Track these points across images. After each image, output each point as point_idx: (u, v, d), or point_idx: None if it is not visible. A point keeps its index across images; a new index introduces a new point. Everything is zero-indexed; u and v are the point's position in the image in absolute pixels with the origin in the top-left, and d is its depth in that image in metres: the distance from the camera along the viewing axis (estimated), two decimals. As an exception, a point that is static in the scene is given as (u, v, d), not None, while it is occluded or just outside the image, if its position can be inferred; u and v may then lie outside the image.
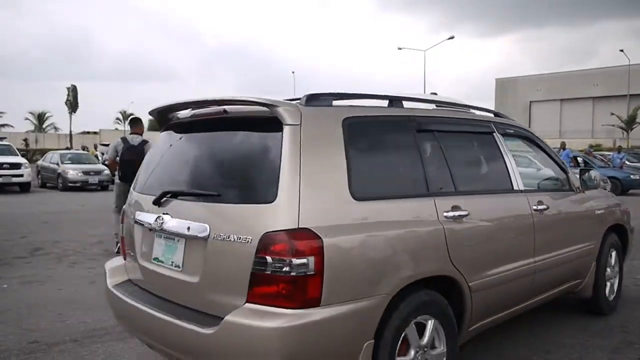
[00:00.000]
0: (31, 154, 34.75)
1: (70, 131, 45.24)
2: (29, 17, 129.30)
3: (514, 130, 4.05)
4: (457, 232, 2.98)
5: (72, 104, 44.48)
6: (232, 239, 2.43)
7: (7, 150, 18.62)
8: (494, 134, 3.72)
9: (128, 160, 7.19)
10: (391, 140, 3.00)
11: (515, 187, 3.70)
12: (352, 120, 2.71)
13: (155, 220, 2.82)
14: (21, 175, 17.38)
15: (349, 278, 2.44)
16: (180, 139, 3.22)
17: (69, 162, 19.33)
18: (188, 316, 2.55)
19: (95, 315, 4.63)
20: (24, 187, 17.71)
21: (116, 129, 63.71)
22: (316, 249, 2.32)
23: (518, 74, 63.93)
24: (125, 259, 3.31)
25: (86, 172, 18.73)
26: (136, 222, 3.09)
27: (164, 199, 2.86)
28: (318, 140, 2.55)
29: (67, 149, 31.41)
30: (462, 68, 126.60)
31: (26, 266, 6.57)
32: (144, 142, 7.55)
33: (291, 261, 2.28)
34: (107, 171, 19.41)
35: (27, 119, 57.07)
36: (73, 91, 44.84)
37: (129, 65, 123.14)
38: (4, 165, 17.00)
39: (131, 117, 9.38)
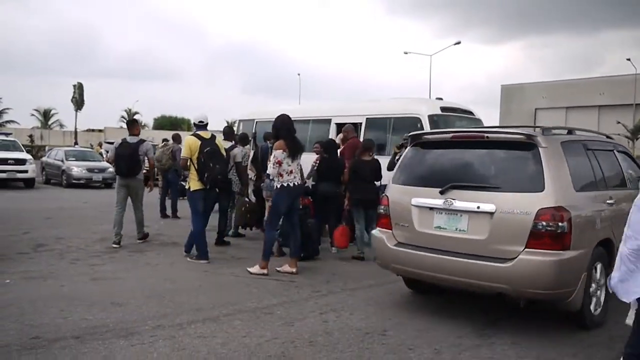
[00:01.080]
0: (36, 150, 34.82)
1: (76, 128, 45.43)
2: (36, 13, 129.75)
3: (621, 148, 5.88)
4: (612, 211, 4.74)
5: (78, 102, 44.64)
6: (515, 212, 4.21)
7: (12, 146, 18.62)
8: (614, 151, 5.58)
9: (121, 156, 7.83)
10: (581, 155, 4.85)
11: (627, 185, 5.43)
12: (564, 143, 4.63)
13: (444, 202, 4.54)
14: (26, 171, 17.38)
15: (580, 235, 4.23)
16: (438, 151, 5.13)
17: (73, 159, 19.34)
18: (481, 258, 4.28)
19: (97, 312, 4.64)
20: (28, 183, 17.73)
21: (121, 127, 63.79)
22: (568, 218, 4.12)
23: (524, 80, 63.69)
24: (392, 229, 4.95)
25: (90, 170, 18.75)
26: (412, 205, 4.77)
27: (448, 189, 4.54)
28: (554, 155, 4.38)
29: (75, 144, 31.38)
30: (468, 74, 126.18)
31: (29, 262, 6.58)
32: (141, 141, 8.04)
33: (557, 224, 4.08)
34: (111, 169, 19.43)
35: (32, 115, 57.19)
36: (79, 89, 45.00)
37: (135, 63, 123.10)
38: (9, 161, 17.00)
39: (128, 120, 9.59)
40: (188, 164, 6.82)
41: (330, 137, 10.12)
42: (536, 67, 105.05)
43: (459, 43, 40.43)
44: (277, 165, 6.14)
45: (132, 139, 7.98)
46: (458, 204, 4.48)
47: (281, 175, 6.20)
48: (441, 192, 4.57)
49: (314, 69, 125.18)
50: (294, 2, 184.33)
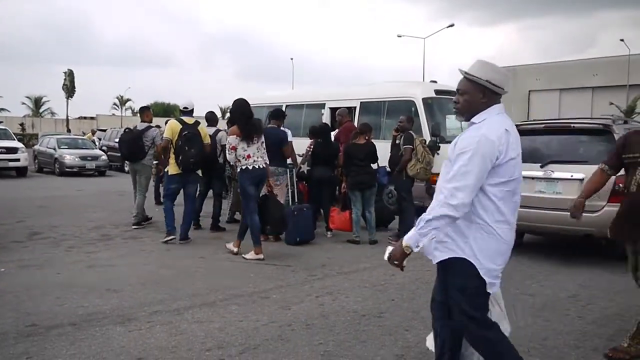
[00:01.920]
0: (28, 139, 34.59)
1: (67, 116, 45.08)
2: (27, 1, 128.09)
3: None
4: None
5: (69, 89, 44.19)
6: None
7: (4, 135, 18.49)
8: None
9: (123, 141, 8.39)
10: None
11: None
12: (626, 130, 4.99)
13: (544, 173, 6.24)
14: (18, 160, 17.28)
15: None
16: (532, 136, 6.52)
17: (65, 147, 19.23)
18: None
19: (94, 299, 4.63)
20: (21, 172, 17.63)
21: (113, 114, 63.41)
22: None
23: (517, 63, 63.49)
24: None
25: (83, 158, 18.65)
26: None
27: (547, 164, 6.23)
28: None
29: (68, 132, 31.13)
30: (462, 57, 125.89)
31: (24, 250, 6.56)
32: (148, 127, 8.35)
33: None
34: (104, 156, 19.40)
35: (23, 103, 56.72)
36: (69, 76, 44.50)
37: (128, 50, 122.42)
38: (0, 150, 16.90)
39: (140, 107, 9.96)
40: (168, 146, 7.04)
41: (324, 121, 10.08)
42: (530, 49, 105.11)
43: (452, 25, 40.20)
44: (232, 151, 6.17)
45: (141, 125, 8.41)
46: (556, 174, 6.24)
47: (239, 160, 6.20)
48: (541, 166, 6.27)
49: (308, 55, 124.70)
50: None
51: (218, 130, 8.46)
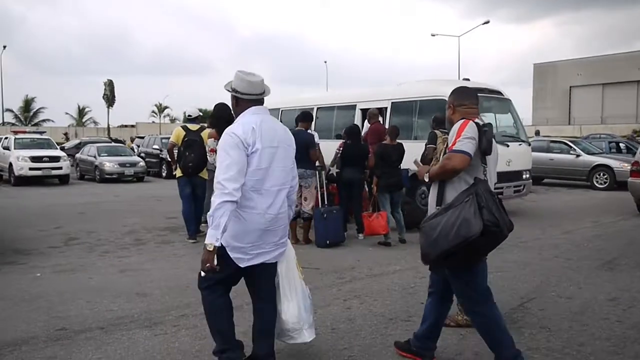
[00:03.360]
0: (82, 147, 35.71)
1: (108, 124, 46.39)
2: (66, 14, 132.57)
3: None
4: None
5: (109, 98, 45.51)
6: None
7: (47, 144, 19.14)
8: None
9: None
10: None
11: None
12: None
13: None
14: (60, 168, 17.82)
15: None
16: None
17: (105, 154, 19.73)
18: None
19: (123, 303, 4.69)
20: (63, 179, 18.18)
21: (153, 121, 64.85)
22: None
23: (557, 58, 61.71)
24: None
25: (122, 164, 19.09)
26: None
27: None
28: None
29: (111, 139, 31.97)
30: (498, 54, 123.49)
31: (60, 255, 6.72)
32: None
33: None
34: (142, 163, 19.84)
35: (67, 113, 58.70)
36: (109, 85, 45.84)
37: (165, 59, 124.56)
38: (44, 159, 17.47)
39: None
40: (173, 150, 7.61)
41: (355, 122, 10.00)
42: (570, 44, 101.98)
43: (487, 22, 39.35)
44: (212, 153, 6.39)
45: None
46: None
47: None
48: None
49: (342, 57, 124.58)
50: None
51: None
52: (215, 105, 6.60)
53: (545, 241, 7.51)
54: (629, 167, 14.46)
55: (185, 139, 7.30)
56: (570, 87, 58.41)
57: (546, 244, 7.27)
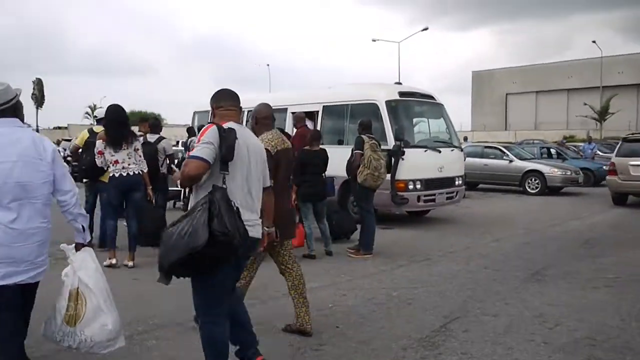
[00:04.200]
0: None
1: (37, 126, 43.73)
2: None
3: None
4: None
5: (38, 98, 43.02)
6: None
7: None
8: None
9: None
10: None
11: None
12: None
13: None
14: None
15: None
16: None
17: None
18: None
19: None
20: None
21: (90, 124, 62.03)
22: None
23: (495, 66, 63.80)
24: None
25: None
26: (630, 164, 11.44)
27: None
28: None
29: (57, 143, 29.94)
30: (440, 62, 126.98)
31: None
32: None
33: None
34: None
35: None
36: (38, 84, 43.27)
37: (101, 59, 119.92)
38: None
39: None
40: (77, 152, 7.21)
41: (286, 127, 9.54)
42: (506, 53, 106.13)
43: (426, 29, 39.94)
44: (100, 155, 6.10)
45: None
46: None
47: (108, 166, 6.10)
48: None
49: (285, 61, 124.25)
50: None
51: (161, 138, 7.88)
52: (109, 107, 6.33)
53: (474, 250, 7.29)
54: (558, 173, 14.85)
55: (87, 140, 6.93)
56: (507, 94, 60.50)
57: (475, 254, 7.04)
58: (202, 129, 2.95)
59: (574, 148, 21.74)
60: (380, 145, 6.98)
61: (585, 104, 41.34)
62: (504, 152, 15.83)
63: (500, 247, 7.50)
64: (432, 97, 10.18)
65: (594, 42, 41.80)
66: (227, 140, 2.78)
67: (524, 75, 57.80)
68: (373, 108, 9.19)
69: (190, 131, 11.23)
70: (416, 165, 8.94)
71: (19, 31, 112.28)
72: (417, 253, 7.05)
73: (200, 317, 2.97)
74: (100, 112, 7.71)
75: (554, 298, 4.98)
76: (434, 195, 9.29)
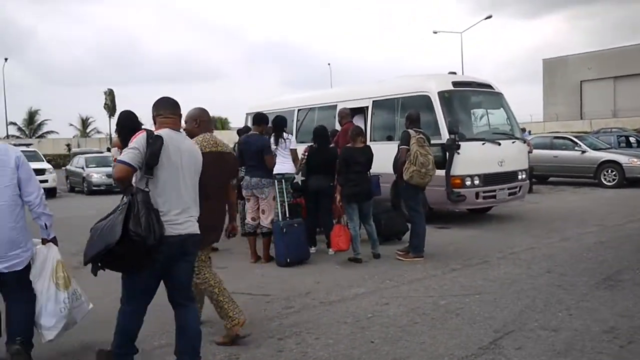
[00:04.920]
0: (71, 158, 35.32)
1: (110, 134, 45.86)
2: (73, 22, 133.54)
3: None
4: None
5: (110, 108, 45.01)
6: None
7: (33, 157, 18.48)
8: None
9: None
10: None
11: None
12: None
13: None
14: (46, 181, 17.20)
15: None
16: None
17: (93, 165, 19.10)
18: None
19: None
20: (50, 193, 17.52)
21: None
22: None
23: (567, 53, 60.23)
24: None
25: (111, 175, 18.45)
26: None
27: None
28: None
29: (108, 150, 31.47)
30: (507, 51, 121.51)
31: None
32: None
33: None
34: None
35: (71, 124, 58.40)
36: (110, 95, 45.29)
37: (173, 67, 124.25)
38: (28, 172, 16.92)
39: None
40: None
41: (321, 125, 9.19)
42: (580, 38, 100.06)
43: (490, 17, 38.17)
44: (115, 162, 5.74)
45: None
46: None
47: None
48: None
49: (346, 60, 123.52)
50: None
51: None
52: (120, 114, 6.15)
53: (539, 251, 6.61)
54: (638, 163, 13.56)
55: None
56: (581, 81, 56.99)
57: (539, 255, 6.38)
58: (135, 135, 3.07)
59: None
60: (429, 140, 6.47)
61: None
62: (576, 143, 14.68)
63: (569, 247, 6.78)
64: (490, 86, 9.49)
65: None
66: (152, 147, 2.95)
67: (600, 61, 54.17)
68: (425, 100, 8.66)
69: (240, 133, 11.10)
70: (473, 159, 8.34)
71: (91, 41, 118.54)
72: (473, 255, 6.49)
73: (122, 303, 3.14)
74: None
75: (629, 308, 4.32)
76: (494, 191, 8.64)
